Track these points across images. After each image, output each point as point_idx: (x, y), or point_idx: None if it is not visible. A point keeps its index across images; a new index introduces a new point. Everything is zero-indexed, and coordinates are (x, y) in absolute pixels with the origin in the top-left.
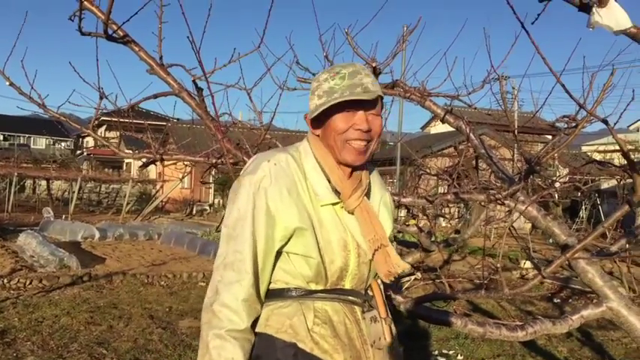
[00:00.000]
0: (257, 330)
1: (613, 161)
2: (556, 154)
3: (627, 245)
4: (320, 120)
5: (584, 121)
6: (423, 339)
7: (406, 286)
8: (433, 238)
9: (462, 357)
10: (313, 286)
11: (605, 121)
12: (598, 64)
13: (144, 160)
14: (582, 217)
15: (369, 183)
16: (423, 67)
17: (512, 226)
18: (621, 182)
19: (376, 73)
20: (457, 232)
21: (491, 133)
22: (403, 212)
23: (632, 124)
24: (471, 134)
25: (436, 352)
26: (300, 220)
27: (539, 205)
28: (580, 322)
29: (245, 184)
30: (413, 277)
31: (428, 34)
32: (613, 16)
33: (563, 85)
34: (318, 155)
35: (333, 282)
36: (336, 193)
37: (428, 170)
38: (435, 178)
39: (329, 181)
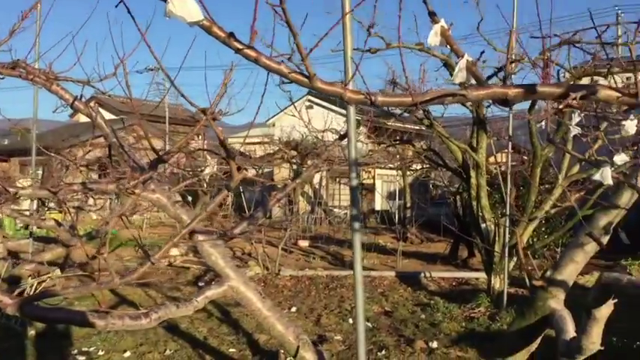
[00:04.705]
0: None
1: (255, 152)
2: (200, 144)
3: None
4: None
5: (209, 116)
6: (63, 339)
7: (46, 283)
8: (76, 232)
9: (103, 352)
10: None
11: (203, 111)
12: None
13: None
14: (228, 204)
15: None
16: (53, 48)
17: (126, 216)
18: (259, 171)
19: None
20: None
21: (143, 123)
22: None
23: (269, 119)
24: (102, 122)
25: (75, 352)
26: None
27: (188, 193)
28: (205, 302)
29: None
30: (51, 274)
31: (59, 15)
32: (186, 8)
33: (171, 80)
34: None
35: None
36: None
37: (75, 160)
38: (85, 168)
39: None
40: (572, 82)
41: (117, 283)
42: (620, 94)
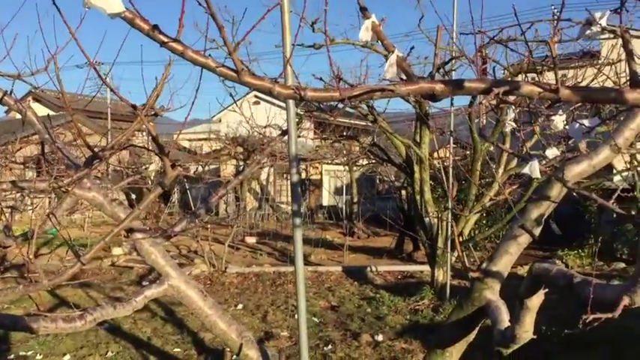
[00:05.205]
0: None
1: (201, 149)
2: (143, 141)
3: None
4: None
5: (141, 113)
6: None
7: None
8: (10, 233)
9: (41, 356)
10: None
11: (134, 107)
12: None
13: None
14: (174, 202)
15: None
16: None
17: (54, 215)
18: (205, 168)
19: None
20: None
21: (82, 119)
22: None
23: (215, 115)
24: (33, 118)
25: (12, 356)
26: None
27: (132, 191)
28: (144, 302)
29: None
30: None
31: None
32: None
33: (100, 76)
34: None
35: None
36: None
37: (12, 158)
38: (22, 166)
39: None
40: (509, 79)
41: (46, 284)
42: (541, 90)
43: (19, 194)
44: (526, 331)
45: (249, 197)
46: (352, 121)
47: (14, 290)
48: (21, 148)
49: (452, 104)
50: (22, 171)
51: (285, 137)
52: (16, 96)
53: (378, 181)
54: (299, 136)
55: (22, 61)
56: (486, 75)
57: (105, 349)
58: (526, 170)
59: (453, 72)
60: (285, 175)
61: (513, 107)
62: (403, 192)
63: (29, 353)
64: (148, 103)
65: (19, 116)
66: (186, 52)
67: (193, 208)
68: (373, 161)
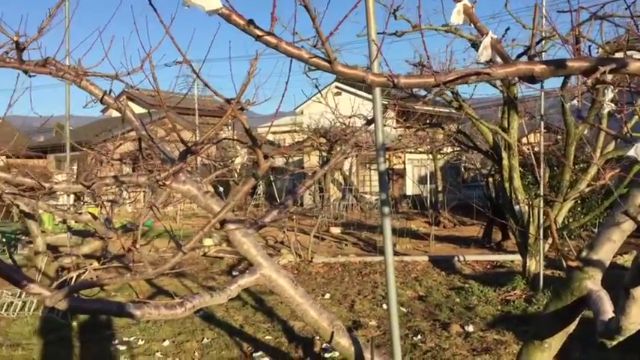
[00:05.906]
0: None
1: (285, 141)
2: (229, 135)
3: (290, 216)
4: None
5: (234, 106)
6: (104, 329)
7: (85, 275)
8: (111, 225)
9: (142, 342)
10: None
11: (227, 101)
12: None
13: None
14: (260, 194)
15: None
16: (80, 45)
17: (157, 207)
18: (289, 159)
19: (20, 48)
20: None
21: (173, 115)
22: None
23: (297, 107)
24: (131, 116)
25: (116, 342)
26: None
27: (220, 183)
28: (238, 291)
29: None
30: (90, 266)
31: (85, 11)
32: None
33: (195, 72)
34: None
35: None
36: None
37: (109, 155)
38: (119, 162)
39: None
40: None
41: (150, 273)
42: None
43: (117, 189)
44: (632, 323)
45: (333, 188)
46: (436, 109)
47: (121, 278)
48: (120, 144)
49: (542, 86)
50: (120, 166)
51: (370, 127)
52: (115, 94)
53: (463, 169)
54: (384, 125)
55: (119, 61)
56: (580, 55)
57: (201, 336)
58: (631, 153)
59: (544, 53)
60: (367, 165)
61: (612, 87)
62: (490, 179)
63: (132, 339)
64: (237, 96)
65: (114, 115)
66: (280, 45)
67: (279, 200)
68: (457, 149)
